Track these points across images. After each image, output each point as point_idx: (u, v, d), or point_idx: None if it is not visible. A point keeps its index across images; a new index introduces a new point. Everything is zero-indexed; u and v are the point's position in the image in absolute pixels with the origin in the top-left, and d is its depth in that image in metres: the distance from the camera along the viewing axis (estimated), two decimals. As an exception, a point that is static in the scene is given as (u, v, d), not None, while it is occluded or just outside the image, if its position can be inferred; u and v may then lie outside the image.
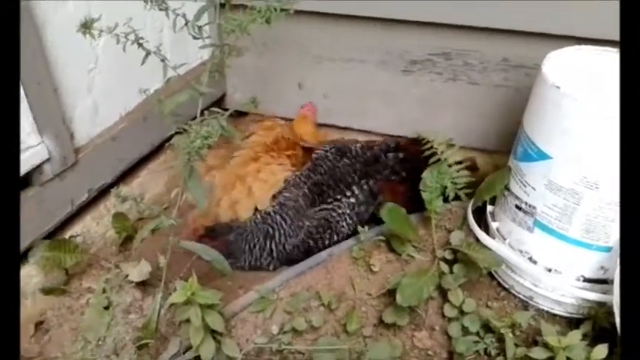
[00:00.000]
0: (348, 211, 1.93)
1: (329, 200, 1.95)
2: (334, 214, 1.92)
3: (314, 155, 2.09)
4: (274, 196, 2.00)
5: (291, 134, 2.29)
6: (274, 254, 1.88)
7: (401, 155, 2.07)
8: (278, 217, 1.89)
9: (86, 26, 1.15)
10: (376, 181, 2.00)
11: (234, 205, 2.02)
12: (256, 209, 1.99)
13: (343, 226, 1.93)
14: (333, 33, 2.19)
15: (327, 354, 1.51)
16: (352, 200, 1.94)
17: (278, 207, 1.92)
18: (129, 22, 1.18)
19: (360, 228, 1.82)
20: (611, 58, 1.55)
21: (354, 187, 1.96)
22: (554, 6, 1.77)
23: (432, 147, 1.93)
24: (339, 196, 1.95)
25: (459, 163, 1.90)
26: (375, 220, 1.91)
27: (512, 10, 1.83)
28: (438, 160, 1.89)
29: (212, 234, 1.87)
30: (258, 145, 2.19)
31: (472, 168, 2.04)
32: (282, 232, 1.88)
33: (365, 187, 1.97)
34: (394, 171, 2.03)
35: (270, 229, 1.88)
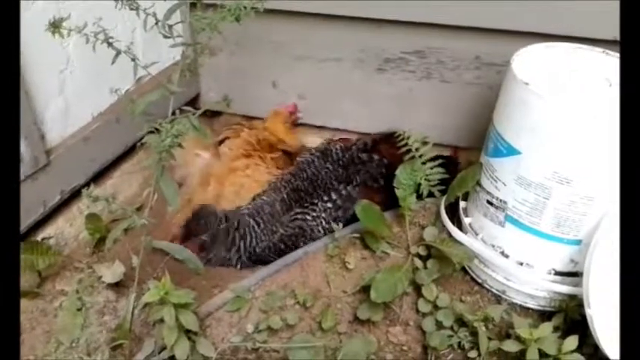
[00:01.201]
0: (323, 215, 1.92)
1: (305, 205, 1.94)
2: (308, 217, 1.91)
3: (299, 159, 2.07)
4: (254, 198, 1.99)
5: (266, 133, 2.29)
6: (243, 255, 1.86)
7: (376, 157, 2.04)
8: (251, 221, 1.87)
9: (55, 25, 1.14)
10: (355, 186, 1.99)
11: (218, 198, 2.03)
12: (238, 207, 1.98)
13: (319, 231, 1.92)
14: (307, 32, 2.19)
15: (302, 351, 1.52)
16: (329, 205, 1.93)
17: (253, 210, 1.90)
18: (99, 21, 1.17)
19: (334, 225, 1.83)
20: (582, 56, 1.58)
21: (332, 193, 1.95)
22: (525, 4, 1.80)
23: (406, 144, 1.94)
24: (315, 201, 1.94)
25: (433, 159, 1.91)
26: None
27: (483, 9, 1.86)
28: (412, 157, 1.91)
29: (193, 223, 1.86)
30: (244, 145, 2.19)
31: (453, 163, 2.06)
32: (253, 235, 1.86)
33: (343, 192, 1.96)
34: (372, 177, 2.01)
35: (242, 231, 1.86)
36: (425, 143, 1.93)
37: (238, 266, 1.88)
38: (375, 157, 2.03)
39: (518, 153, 1.47)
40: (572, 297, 1.54)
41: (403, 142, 1.93)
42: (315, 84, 2.32)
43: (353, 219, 1.86)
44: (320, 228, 1.91)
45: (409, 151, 1.92)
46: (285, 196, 1.94)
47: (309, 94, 2.36)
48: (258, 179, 2.06)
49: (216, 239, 1.83)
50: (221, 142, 2.22)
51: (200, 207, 1.90)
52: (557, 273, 1.58)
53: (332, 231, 1.85)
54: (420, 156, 1.90)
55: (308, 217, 1.91)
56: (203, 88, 2.47)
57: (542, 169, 1.44)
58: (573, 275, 1.57)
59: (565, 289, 1.55)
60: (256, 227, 1.87)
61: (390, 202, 1.89)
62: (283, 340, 1.60)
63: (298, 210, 1.92)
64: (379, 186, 1.99)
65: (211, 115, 2.50)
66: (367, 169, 2.01)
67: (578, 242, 1.51)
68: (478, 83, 2.06)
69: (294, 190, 1.96)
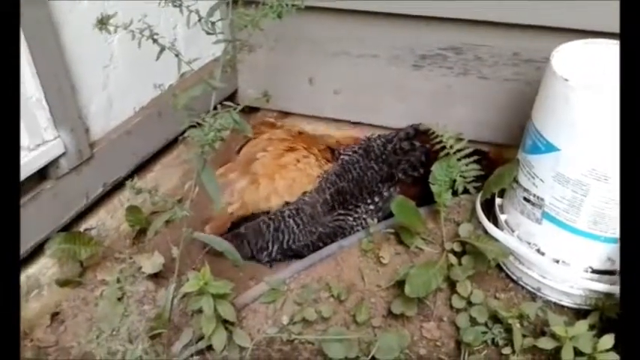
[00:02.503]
0: (364, 216, 1.93)
1: (349, 207, 1.95)
2: (350, 218, 1.93)
3: (343, 158, 2.07)
4: (304, 193, 1.98)
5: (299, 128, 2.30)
6: (275, 253, 1.89)
7: (418, 144, 2.04)
8: (291, 222, 1.89)
9: (102, 22, 1.17)
10: (397, 182, 2.00)
11: (270, 195, 1.99)
12: (286, 202, 1.97)
13: (359, 230, 1.93)
14: (343, 29, 2.20)
15: (337, 344, 1.54)
16: (371, 207, 1.95)
17: (294, 211, 1.92)
18: (144, 18, 1.21)
19: (369, 221, 1.84)
20: (619, 51, 1.56)
21: (376, 196, 1.96)
22: (564, 2, 1.78)
23: (441, 141, 1.94)
24: (359, 204, 1.95)
25: (468, 156, 1.91)
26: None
27: (522, 4, 1.84)
28: (447, 153, 1.91)
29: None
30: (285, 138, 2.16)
31: (489, 160, 2.06)
32: (291, 236, 1.89)
33: (385, 193, 1.97)
34: (412, 165, 2.01)
35: (281, 235, 1.88)
36: (459, 140, 1.93)
37: (268, 265, 1.91)
38: (417, 144, 2.04)
39: (557, 150, 1.47)
40: (609, 295, 1.53)
41: (438, 139, 1.93)
42: (351, 80, 2.32)
43: (390, 216, 1.88)
44: (360, 228, 1.93)
45: (444, 147, 1.91)
46: (329, 197, 1.95)
47: (345, 90, 2.37)
48: (309, 173, 2.02)
49: (255, 234, 1.86)
50: (240, 149, 2.17)
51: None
52: (594, 271, 1.57)
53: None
54: (456, 152, 1.90)
55: (350, 219, 1.93)
56: (241, 84, 2.50)
57: (580, 165, 1.44)
58: (610, 273, 1.56)
59: (601, 287, 1.54)
60: (295, 228, 1.89)
61: (425, 196, 1.89)
62: (318, 333, 1.62)
63: (341, 212, 1.94)
64: (418, 176, 2.00)
65: (249, 110, 2.53)
66: (408, 157, 2.02)
67: (616, 240, 1.50)
68: (516, 80, 2.04)
69: (339, 192, 1.96)
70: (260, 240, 1.89)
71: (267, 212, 1.94)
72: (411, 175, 2.01)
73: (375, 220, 1.91)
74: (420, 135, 2.08)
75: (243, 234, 1.88)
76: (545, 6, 1.81)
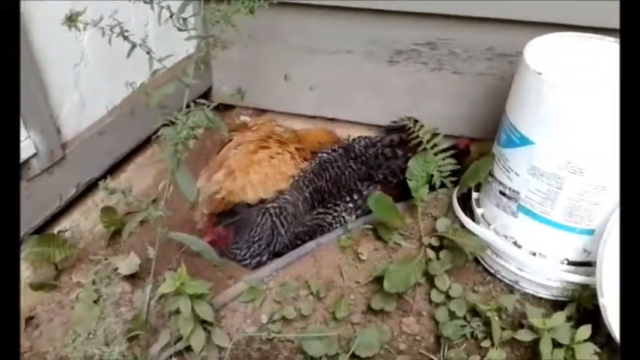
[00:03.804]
0: (343, 214, 1.92)
1: (328, 205, 1.94)
2: (329, 217, 1.92)
3: (320, 156, 2.06)
4: (278, 194, 1.99)
5: (279, 129, 2.29)
6: (262, 258, 1.88)
7: (400, 153, 2.03)
8: (277, 222, 1.89)
9: (71, 19, 1.15)
10: (377, 183, 2.00)
11: (244, 187, 2.00)
12: (262, 200, 1.98)
13: (337, 227, 1.92)
14: (318, 24, 2.19)
15: (317, 341, 1.53)
16: (350, 205, 1.94)
17: (277, 210, 1.91)
18: (114, 14, 1.19)
19: (347, 217, 1.83)
20: (594, 45, 1.58)
21: (355, 194, 1.95)
22: (537, -5, 1.79)
23: (417, 136, 1.94)
24: (338, 202, 1.94)
25: (445, 151, 1.91)
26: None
27: (495, -1, 1.85)
28: (424, 149, 1.91)
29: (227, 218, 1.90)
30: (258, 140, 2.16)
31: (464, 154, 2.06)
32: (279, 239, 1.89)
33: (365, 192, 1.96)
34: (393, 172, 2.01)
35: (271, 238, 1.88)
36: (435, 134, 1.93)
37: (251, 268, 1.89)
38: (400, 152, 2.03)
39: (532, 143, 1.47)
40: (585, 287, 1.54)
41: (414, 134, 1.93)
42: (327, 76, 2.32)
43: (369, 213, 1.88)
44: (338, 225, 1.92)
45: (420, 142, 1.91)
46: (308, 195, 1.95)
47: (321, 87, 2.36)
48: (283, 170, 2.04)
49: (244, 227, 1.86)
50: (219, 151, 2.17)
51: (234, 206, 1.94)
52: (570, 263, 1.58)
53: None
54: (432, 147, 1.90)
55: (328, 217, 1.92)
56: (215, 81, 2.48)
57: (555, 158, 1.44)
58: (586, 265, 1.57)
59: (578, 278, 1.55)
60: (282, 230, 1.89)
61: (405, 196, 1.89)
62: (297, 330, 1.62)
63: (321, 210, 1.93)
64: (398, 182, 1.99)
65: (224, 108, 2.52)
66: (390, 164, 2.02)
67: (591, 232, 1.51)
68: (491, 74, 2.05)
69: (317, 190, 1.96)
70: (252, 247, 1.88)
71: (248, 205, 1.95)
72: (390, 181, 2.00)
73: (354, 217, 1.91)
74: (403, 143, 2.06)
75: (235, 226, 1.88)
76: (518, 0, 1.82)
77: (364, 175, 2.01)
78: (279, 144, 2.10)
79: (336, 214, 1.92)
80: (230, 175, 1.98)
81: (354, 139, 2.15)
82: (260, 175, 2.00)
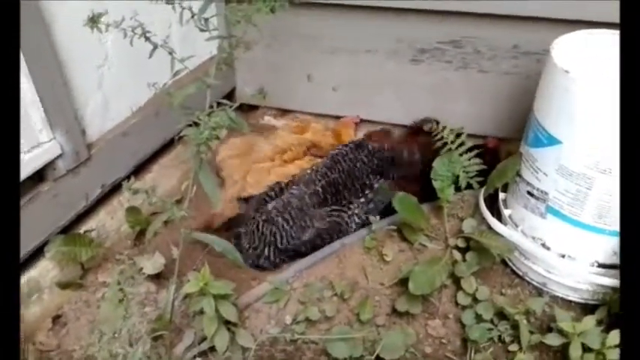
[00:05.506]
0: (356, 211, 1.91)
1: (343, 202, 1.92)
2: (344, 215, 1.90)
3: (332, 152, 2.05)
4: (287, 185, 1.99)
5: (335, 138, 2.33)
6: (274, 258, 1.86)
7: (406, 155, 2.04)
8: (280, 219, 1.84)
9: (93, 21, 1.16)
10: (390, 180, 1.98)
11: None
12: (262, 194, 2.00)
13: (352, 227, 1.91)
14: (341, 24, 2.18)
15: (341, 343, 1.52)
16: (362, 200, 1.92)
17: (281, 207, 1.88)
18: (135, 16, 1.19)
19: (372, 217, 1.82)
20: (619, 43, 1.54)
21: (367, 189, 1.94)
22: (564, -10, 1.76)
23: (442, 137, 1.91)
24: (352, 198, 1.92)
25: (470, 150, 1.88)
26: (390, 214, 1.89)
27: (520, -4, 1.82)
28: (449, 149, 1.88)
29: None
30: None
31: (491, 154, 2.03)
32: (284, 234, 1.84)
33: (376, 185, 1.95)
34: (409, 168, 2.01)
35: (272, 237, 1.84)
36: (459, 134, 1.90)
37: (269, 268, 1.87)
38: (405, 154, 2.03)
39: (559, 142, 1.44)
40: (616, 290, 1.50)
41: (439, 136, 1.90)
42: (350, 76, 2.31)
43: (386, 211, 1.85)
44: (354, 224, 1.91)
45: (445, 144, 1.89)
46: (320, 189, 1.92)
47: (344, 87, 2.35)
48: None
49: (249, 240, 1.86)
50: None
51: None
52: (600, 265, 1.55)
53: (367, 223, 1.84)
54: (457, 147, 1.87)
55: (344, 215, 1.90)
56: (238, 82, 2.49)
57: (583, 158, 1.41)
58: (616, 268, 1.53)
59: (608, 281, 1.52)
60: (285, 225, 1.84)
61: (425, 193, 1.87)
62: (321, 332, 1.61)
63: (335, 207, 1.91)
64: (414, 176, 1.98)
65: (248, 109, 2.52)
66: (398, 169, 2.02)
67: (621, 234, 1.48)
68: (516, 72, 2.02)
69: (331, 183, 1.94)
70: (253, 246, 1.86)
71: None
72: (405, 177, 2.01)
73: (369, 213, 1.90)
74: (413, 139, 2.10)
75: (239, 232, 1.88)
76: (544, -3, 1.79)
77: (375, 167, 1.99)
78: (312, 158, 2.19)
79: (350, 212, 1.91)
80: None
81: (366, 137, 2.16)
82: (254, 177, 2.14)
